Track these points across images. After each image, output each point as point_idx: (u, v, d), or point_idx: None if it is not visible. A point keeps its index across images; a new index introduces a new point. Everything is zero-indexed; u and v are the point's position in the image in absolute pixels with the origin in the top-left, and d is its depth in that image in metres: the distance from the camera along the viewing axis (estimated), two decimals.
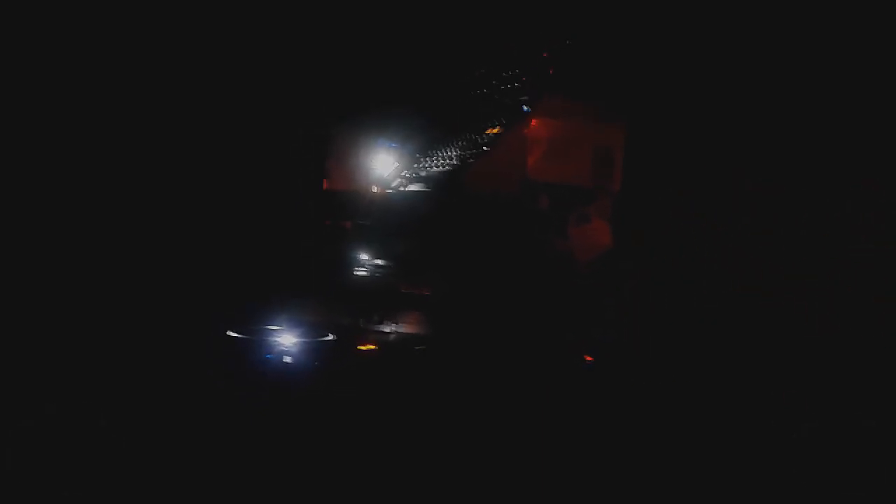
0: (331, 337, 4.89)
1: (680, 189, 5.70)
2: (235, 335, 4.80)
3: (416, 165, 5.84)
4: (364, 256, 5.40)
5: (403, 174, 5.78)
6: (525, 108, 5.53)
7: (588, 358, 5.18)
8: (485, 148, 5.42)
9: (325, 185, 5.71)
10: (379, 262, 5.37)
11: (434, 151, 5.83)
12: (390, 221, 5.45)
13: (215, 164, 5.80)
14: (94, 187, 5.49)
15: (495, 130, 5.57)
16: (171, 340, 4.79)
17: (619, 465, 4.06)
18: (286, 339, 4.80)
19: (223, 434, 3.96)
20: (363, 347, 5.00)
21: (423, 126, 5.98)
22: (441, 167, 5.57)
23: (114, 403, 4.16)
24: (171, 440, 3.86)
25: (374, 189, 5.67)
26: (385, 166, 5.79)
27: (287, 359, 4.68)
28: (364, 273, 5.36)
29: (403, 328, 5.11)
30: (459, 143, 5.65)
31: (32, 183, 5.32)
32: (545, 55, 5.57)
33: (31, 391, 4.22)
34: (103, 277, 5.29)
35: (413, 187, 5.54)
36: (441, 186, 5.39)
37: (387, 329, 5.12)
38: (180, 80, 5.77)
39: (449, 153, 5.64)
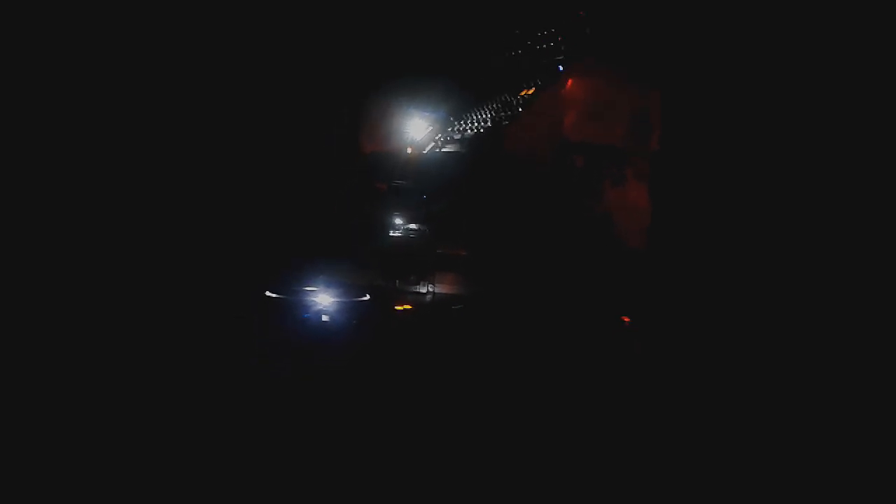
0: (367, 297, 4.91)
1: (721, 151, 5.57)
2: (274, 296, 4.85)
3: (450, 129, 5.81)
4: (399, 218, 5.40)
5: (438, 137, 5.76)
6: (561, 68, 5.47)
7: (625, 319, 5.14)
8: (520, 109, 5.37)
9: (361, 149, 5.71)
10: (414, 223, 5.37)
11: (469, 114, 5.79)
12: (426, 183, 5.43)
13: (254, 134, 5.83)
14: (145, 169, 5.57)
15: (531, 91, 5.51)
16: (215, 301, 4.86)
17: (650, 420, 4.04)
18: (323, 299, 4.83)
19: (263, 386, 4.02)
20: (399, 307, 5.01)
21: (459, 89, 5.95)
22: (476, 129, 5.53)
23: (168, 358, 4.24)
24: (216, 393, 3.91)
25: (410, 151, 5.66)
26: (420, 129, 5.78)
27: (324, 317, 4.72)
28: (399, 234, 5.36)
29: (440, 288, 5.10)
30: (494, 106, 5.61)
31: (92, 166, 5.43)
32: (581, 14, 5.48)
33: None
34: (152, 244, 5.37)
35: (448, 149, 5.51)
36: (476, 148, 5.35)
37: (423, 289, 5.12)
38: (218, 56, 5.80)
39: (484, 115, 5.60)
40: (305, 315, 4.71)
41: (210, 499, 3.15)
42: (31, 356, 4.07)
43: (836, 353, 4.51)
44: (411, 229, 5.35)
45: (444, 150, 5.53)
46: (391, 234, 5.36)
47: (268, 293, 4.85)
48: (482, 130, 5.47)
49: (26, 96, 5.22)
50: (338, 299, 4.83)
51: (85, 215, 5.28)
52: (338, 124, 5.85)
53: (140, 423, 3.56)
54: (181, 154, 5.69)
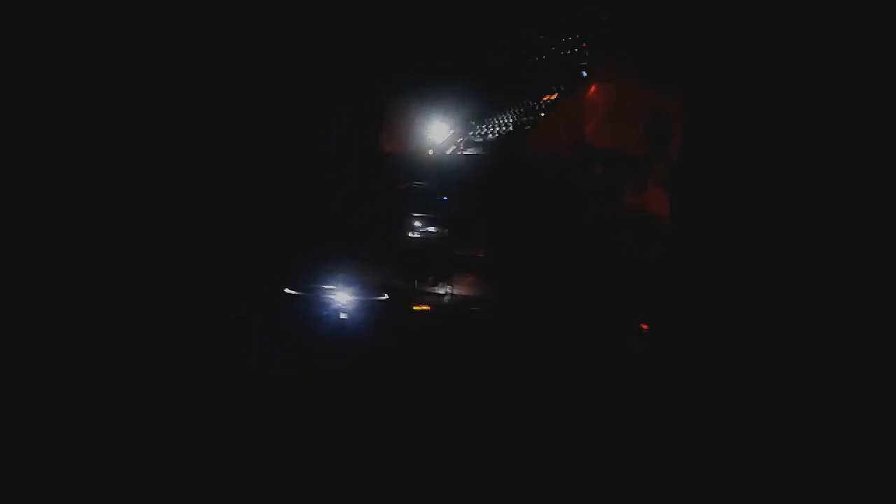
0: (385, 296, 4.92)
1: (744, 158, 5.54)
2: (292, 293, 4.86)
3: (471, 132, 5.83)
4: (419, 218, 5.41)
5: (459, 140, 5.78)
6: (584, 73, 5.47)
7: (644, 326, 5.11)
8: (542, 114, 5.38)
9: (381, 150, 5.73)
10: (434, 224, 5.38)
11: (491, 118, 5.81)
12: (446, 184, 5.45)
13: (272, 132, 5.85)
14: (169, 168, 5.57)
15: (553, 97, 5.52)
16: (234, 296, 4.86)
17: (665, 424, 4.02)
18: (341, 298, 4.84)
19: (279, 380, 4.03)
20: (417, 308, 5.02)
21: (481, 92, 5.96)
22: (497, 133, 5.54)
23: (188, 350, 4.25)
24: (235, 384, 3.92)
25: (431, 153, 5.67)
26: (441, 132, 5.80)
27: (343, 315, 4.73)
28: (418, 235, 5.37)
29: (458, 290, 5.10)
30: (516, 110, 5.62)
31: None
32: (606, 19, 5.49)
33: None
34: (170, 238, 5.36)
35: (469, 152, 5.53)
36: (497, 152, 5.37)
37: (441, 291, 5.12)
38: (241, 50, 5.81)
39: (505, 119, 5.61)
40: (324, 313, 4.73)
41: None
42: (29, 349, 4.08)
43: (874, 365, 4.46)
44: (430, 230, 5.36)
45: (465, 152, 5.54)
46: (410, 234, 5.37)
47: (287, 290, 4.86)
48: (504, 134, 5.47)
49: (41, 97, 5.23)
50: (356, 297, 4.85)
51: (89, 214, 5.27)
52: (340, 124, 5.83)
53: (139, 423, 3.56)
54: (199, 151, 5.69)
